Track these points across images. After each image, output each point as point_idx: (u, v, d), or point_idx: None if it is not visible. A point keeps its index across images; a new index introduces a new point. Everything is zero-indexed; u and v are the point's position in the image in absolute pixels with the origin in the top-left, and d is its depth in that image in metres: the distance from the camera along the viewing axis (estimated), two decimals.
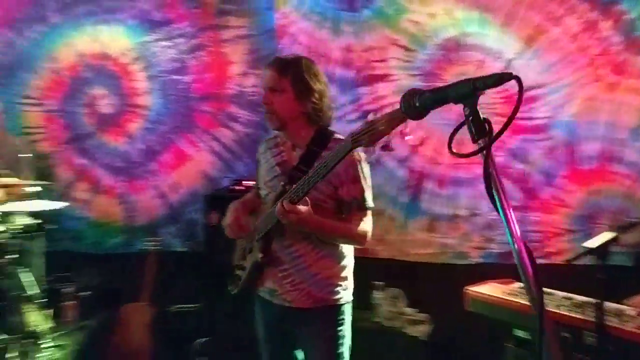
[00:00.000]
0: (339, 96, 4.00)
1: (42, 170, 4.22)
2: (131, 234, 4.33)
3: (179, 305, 4.01)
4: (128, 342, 3.66)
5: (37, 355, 3.38)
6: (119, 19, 4.22)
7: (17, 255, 3.51)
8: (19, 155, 3.67)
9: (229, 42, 4.17)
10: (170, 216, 4.31)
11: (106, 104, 4.29)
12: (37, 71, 4.27)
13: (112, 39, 4.23)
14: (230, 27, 4.16)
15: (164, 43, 4.19)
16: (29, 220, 3.62)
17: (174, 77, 4.21)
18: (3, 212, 3.41)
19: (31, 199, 3.62)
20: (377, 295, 3.74)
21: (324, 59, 4.01)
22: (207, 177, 4.27)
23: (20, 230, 3.53)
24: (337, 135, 2.05)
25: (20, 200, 3.56)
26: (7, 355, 3.18)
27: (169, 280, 3.94)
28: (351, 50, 4.03)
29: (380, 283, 3.76)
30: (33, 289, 3.70)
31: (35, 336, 3.53)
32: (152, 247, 3.92)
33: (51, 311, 3.69)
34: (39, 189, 3.68)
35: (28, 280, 3.61)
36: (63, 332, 3.70)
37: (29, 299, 3.58)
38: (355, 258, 2.20)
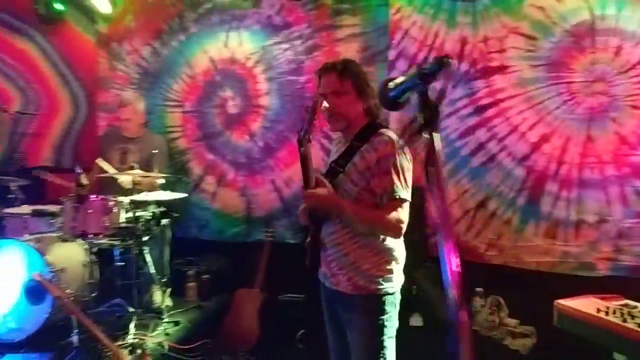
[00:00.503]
0: (452, 91, 3.33)
1: (179, 164, 4.15)
2: (249, 225, 4.04)
3: (288, 295, 3.69)
4: (238, 324, 3.39)
5: (157, 328, 3.22)
6: (246, 25, 3.92)
7: (147, 239, 3.41)
8: (154, 151, 3.58)
9: (342, 41, 3.62)
10: (283, 209, 3.91)
11: (233, 105, 4.06)
12: (177, 76, 4.13)
13: (239, 44, 3.98)
14: (344, 26, 3.61)
15: (282, 46, 3.82)
16: (158, 209, 3.51)
17: (291, 77, 3.82)
18: (137, 201, 3.31)
19: (161, 190, 3.51)
20: (477, 302, 2.98)
21: (436, 51, 3.37)
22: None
23: (150, 217, 3.42)
24: (382, 130, 1.87)
25: (151, 191, 3.45)
26: (131, 326, 3.08)
27: (280, 270, 3.62)
28: (466, 42, 3.32)
29: (480, 289, 3.01)
30: (160, 270, 3.60)
31: (157, 312, 3.41)
32: (267, 238, 3.65)
33: (169, 290, 3.58)
34: (162, 181, 3.55)
35: (156, 262, 3.52)
36: (181, 309, 3.56)
37: (156, 279, 3.47)
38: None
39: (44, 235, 3.08)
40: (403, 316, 1.94)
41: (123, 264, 3.36)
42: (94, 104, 4.33)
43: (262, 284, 3.53)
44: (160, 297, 3.49)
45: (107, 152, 3.67)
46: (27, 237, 3.00)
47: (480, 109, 3.27)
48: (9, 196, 3.40)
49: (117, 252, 3.35)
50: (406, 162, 1.83)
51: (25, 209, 3.30)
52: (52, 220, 3.23)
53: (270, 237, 3.65)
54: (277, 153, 3.91)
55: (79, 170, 3.04)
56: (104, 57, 4.27)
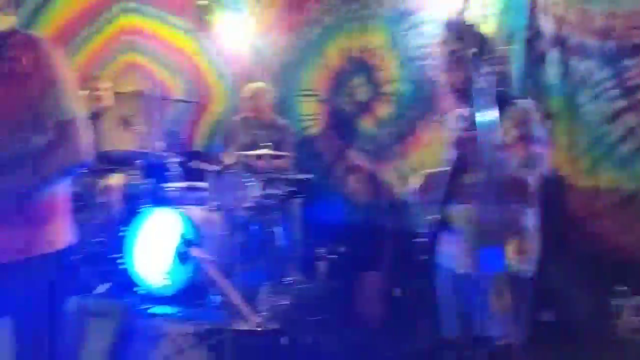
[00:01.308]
0: (598, 71, 3.09)
1: (311, 150, 4.39)
2: (377, 211, 4.13)
3: (412, 282, 3.69)
4: (362, 307, 3.51)
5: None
6: (377, 13, 4.01)
7: (279, 216, 3.68)
8: (284, 135, 3.87)
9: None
10: (412, 197, 3.94)
11: (362, 92, 4.20)
12: (311, 67, 4.35)
13: (371, 32, 4.12)
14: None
15: (412, 31, 3.88)
16: (289, 189, 3.77)
17: (422, 63, 3.86)
18: (269, 179, 3.61)
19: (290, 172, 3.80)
20: (619, 302, 2.72)
21: (580, 29, 3.15)
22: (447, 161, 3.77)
23: (281, 196, 3.69)
24: (516, 101, 1.83)
25: (282, 172, 3.74)
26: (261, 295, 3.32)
27: (406, 257, 3.64)
28: (614, 17, 3.07)
29: (625, 289, 2.75)
30: (290, 246, 3.84)
31: (286, 284, 3.64)
32: (393, 225, 3.70)
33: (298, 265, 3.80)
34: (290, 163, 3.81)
35: (286, 238, 3.77)
36: (309, 285, 3.75)
37: (285, 254, 3.72)
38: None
39: (194, 206, 3.49)
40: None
41: (256, 237, 3.66)
42: (241, 94, 4.74)
43: (388, 270, 3.59)
44: (289, 271, 3.72)
45: (240, 137, 4.01)
46: (181, 207, 3.42)
47: (631, 91, 2.99)
48: (169, 173, 3.90)
49: (251, 226, 3.66)
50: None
51: (181, 184, 3.77)
52: (201, 194, 3.64)
53: (397, 224, 3.69)
54: (406, 139, 3.95)
55: (221, 150, 3.38)
56: (248, 52, 4.67)
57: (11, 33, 1.54)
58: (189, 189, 3.74)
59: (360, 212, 4.17)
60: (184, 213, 3.31)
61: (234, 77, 4.75)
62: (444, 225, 1.89)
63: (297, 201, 3.86)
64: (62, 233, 1.62)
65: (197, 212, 3.44)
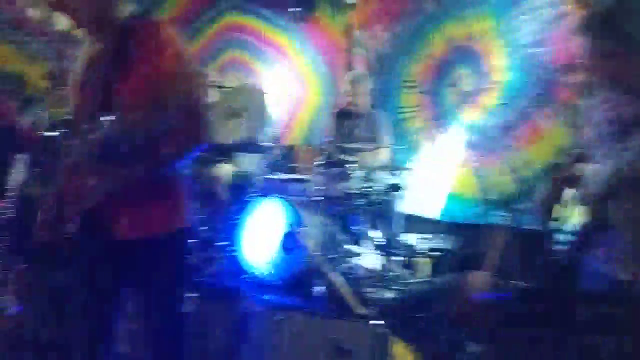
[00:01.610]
0: None
1: (411, 143, 4.30)
2: (483, 207, 3.95)
3: (519, 282, 3.50)
4: (465, 306, 3.38)
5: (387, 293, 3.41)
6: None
7: (380, 208, 3.64)
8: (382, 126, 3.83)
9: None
10: (521, 192, 3.74)
11: (468, 83, 4.04)
12: (413, 57, 4.27)
13: (477, 20, 3.95)
14: None
15: (525, 17, 3.66)
16: (388, 181, 3.71)
17: (534, 50, 3.63)
18: (369, 171, 3.58)
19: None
20: None
21: None
22: (563, 152, 3.53)
23: (382, 189, 3.64)
24: None
25: (383, 163, 3.71)
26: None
27: (514, 256, 3.47)
28: None
29: None
30: (390, 241, 3.79)
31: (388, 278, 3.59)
32: (502, 222, 3.53)
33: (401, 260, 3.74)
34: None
35: (385, 232, 3.72)
36: (411, 281, 3.68)
37: (385, 249, 3.68)
38: None
39: (299, 197, 3.54)
40: None
41: (355, 229, 3.65)
42: (338, 89, 4.76)
43: (493, 269, 3.43)
44: (391, 266, 3.67)
45: (338, 128, 4.00)
46: (286, 197, 3.47)
47: None
48: (272, 163, 3.99)
49: (351, 218, 3.64)
50: None
51: (284, 176, 3.85)
52: (302, 185, 3.69)
53: (506, 221, 3.52)
54: (515, 131, 3.75)
55: (325, 140, 3.39)
56: (347, 45, 4.66)
57: (134, 19, 1.61)
58: (293, 180, 3.80)
59: (466, 208, 4.03)
60: (290, 203, 3.36)
61: (333, 69, 4.76)
62: (600, 225, 1.66)
63: (399, 194, 3.79)
64: (185, 212, 1.68)
65: (302, 202, 3.48)
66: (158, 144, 1.55)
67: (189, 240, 1.73)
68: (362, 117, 3.97)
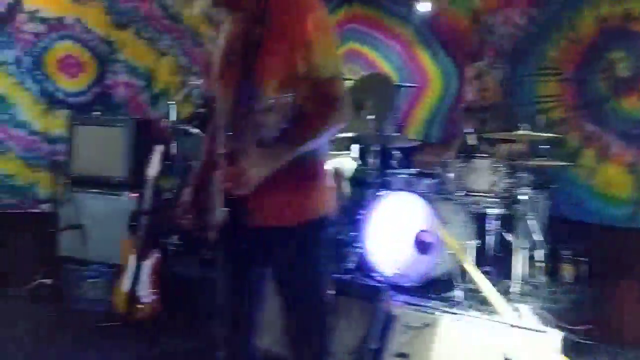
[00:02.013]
0: None
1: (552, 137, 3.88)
2: (638, 207, 3.49)
3: None
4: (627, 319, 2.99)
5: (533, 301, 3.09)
6: None
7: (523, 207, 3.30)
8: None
9: None
10: None
11: (624, 67, 3.56)
12: (554, 42, 3.84)
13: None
14: None
15: None
16: (535, 178, 3.36)
17: None
18: (517, 166, 3.25)
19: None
20: None
21: None
22: None
23: (529, 186, 3.30)
24: None
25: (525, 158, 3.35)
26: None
27: None
28: None
29: None
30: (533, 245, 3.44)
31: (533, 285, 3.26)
32: None
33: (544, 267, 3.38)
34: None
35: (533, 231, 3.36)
36: (556, 289, 3.33)
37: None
38: None
39: (431, 193, 3.31)
40: None
41: (497, 231, 3.33)
42: (464, 79, 4.46)
43: None
44: (534, 272, 3.34)
45: (467, 122, 3.72)
46: (416, 192, 3.25)
47: None
48: (392, 159, 3.79)
49: (490, 218, 3.34)
50: None
51: (410, 170, 3.63)
52: (432, 181, 3.45)
53: None
54: None
55: (469, 130, 3.14)
56: (476, 31, 4.34)
57: None
58: (421, 174, 3.58)
59: (618, 209, 3.58)
60: (425, 199, 3.14)
61: (458, 60, 4.47)
62: None
63: (543, 192, 3.44)
64: (327, 199, 1.54)
65: (435, 198, 3.25)
66: (304, 124, 1.43)
67: (330, 230, 1.57)
68: (491, 111, 3.67)
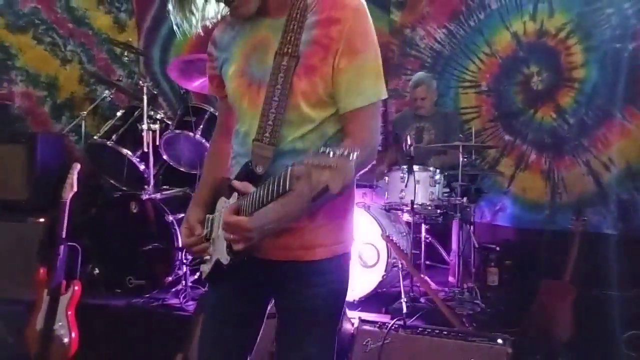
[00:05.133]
0: None
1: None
2: (554, 212, 3.76)
3: (603, 291, 3.30)
4: (548, 317, 3.16)
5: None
6: None
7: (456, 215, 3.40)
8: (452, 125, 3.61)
9: None
10: (600, 195, 3.55)
11: (538, 81, 3.83)
12: (473, 56, 4.04)
13: (550, 15, 3.72)
14: None
15: (606, 11, 3.48)
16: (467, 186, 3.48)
17: (616, 45, 3.45)
18: (448, 176, 3.35)
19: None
20: None
21: None
22: None
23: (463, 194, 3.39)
24: None
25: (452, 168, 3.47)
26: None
27: (594, 263, 3.28)
28: None
29: None
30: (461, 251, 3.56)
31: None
32: (577, 228, 3.31)
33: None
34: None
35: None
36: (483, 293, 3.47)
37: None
38: None
39: (374, 204, 3.30)
40: None
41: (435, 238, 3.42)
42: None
43: (571, 277, 3.22)
44: (466, 278, 3.45)
45: (402, 132, 3.79)
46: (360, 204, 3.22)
47: None
48: None
49: (426, 227, 3.40)
50: None
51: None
52: (374, 190, 3.46)
53: (581, 227, 3.32)
54: (593, 131, 3.56)
55: (409, 142, 3.16)
56: (397, 45, 4.44)
57: None
58: (358, 186, 3.56)
59: (535, 214, 3.82)
60: (368, 211, 3.11)
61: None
62: None
63: (473, 200, 3.57)
64: (352, 234, 1.43)
65: (375, 210, 3.24)
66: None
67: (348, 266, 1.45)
68: (427, 119, 3.77)
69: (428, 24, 4.28)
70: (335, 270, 1.35)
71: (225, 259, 1.25)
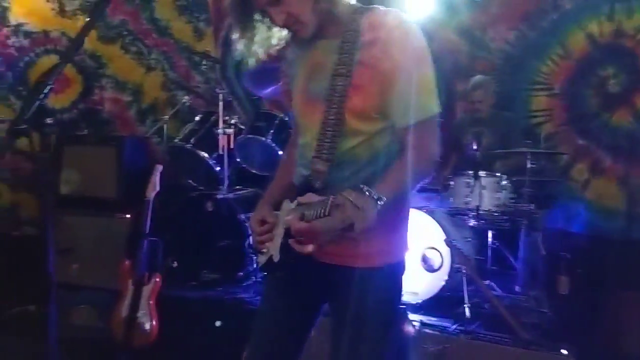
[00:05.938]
0: None
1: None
2: (631, 220, 3.59)
3: None
4: (619, 331, 3.04)
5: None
6: None
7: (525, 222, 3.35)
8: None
9: None
10: None
11: (615, 83, 3.67)
12: (546, 58, 3.92)
13: (628, 15, 3.59)
14: None
15: None
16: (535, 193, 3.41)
17: None
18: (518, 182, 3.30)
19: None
20: None
21: None
22: None
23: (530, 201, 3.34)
24: None
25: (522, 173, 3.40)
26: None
27: None
28: None
29: None
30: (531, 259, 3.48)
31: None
32: None
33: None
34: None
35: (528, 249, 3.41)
36: (551, 301, 3.38)
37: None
38: None
39: (438, 208, 3.31)
40: None
41: (496, 245, 3.38)
42: (454, 93, 4.50)
43: None
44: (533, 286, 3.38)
45: (463, 136, 3.76)
46: (424, 209, 3.25)
47: None
48: None
49: (492, 233, 3.37)
50: None
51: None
52: (439, 195, 3.46)
53: None
54: None
55: (474, 147, 3.16)
56: (465, 46, 4.39)
57: (358, 11, 1.37)
58: (423, 190, 3.58)
59: (611, 221, 3.68)
60: (429, 216, 3.13)
61: (450, 73, 4.50)
62: None
63: (543, 207, 3.49)
64: (405, 243, 1.49)
65: (439, 214, 3.25)
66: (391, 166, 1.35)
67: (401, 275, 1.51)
68: (485, 122, 3.72)
69: (499, 25, 4.21)
70: (388, 278, 1.41)
71: (276, 256, 1.38)
